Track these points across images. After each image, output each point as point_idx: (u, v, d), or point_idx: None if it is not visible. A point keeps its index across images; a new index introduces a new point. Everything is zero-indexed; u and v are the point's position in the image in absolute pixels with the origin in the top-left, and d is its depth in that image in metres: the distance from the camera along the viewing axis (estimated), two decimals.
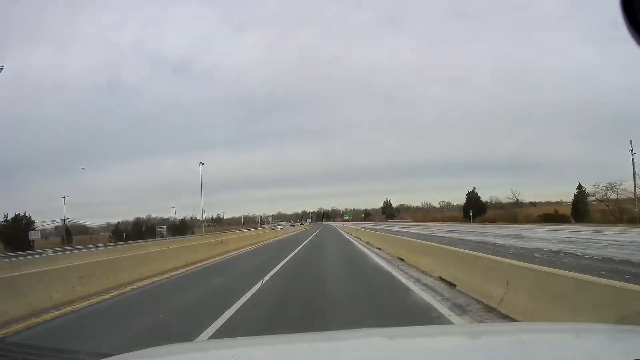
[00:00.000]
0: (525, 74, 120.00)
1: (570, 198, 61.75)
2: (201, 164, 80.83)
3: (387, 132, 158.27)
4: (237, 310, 7.47)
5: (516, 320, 5.52)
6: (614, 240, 21.12)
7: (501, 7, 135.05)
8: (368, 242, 24.51)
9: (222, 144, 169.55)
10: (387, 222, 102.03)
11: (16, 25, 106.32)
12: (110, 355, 1.88)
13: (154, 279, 12.46)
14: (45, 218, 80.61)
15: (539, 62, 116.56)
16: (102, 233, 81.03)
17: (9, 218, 57.30)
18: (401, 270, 11.93)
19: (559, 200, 75.34)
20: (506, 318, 5.88)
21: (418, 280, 9.97)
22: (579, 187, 59.57)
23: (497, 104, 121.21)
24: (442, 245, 12.32)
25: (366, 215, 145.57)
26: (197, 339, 5.44)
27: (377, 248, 20.25)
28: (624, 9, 1.49)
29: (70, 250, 33.38)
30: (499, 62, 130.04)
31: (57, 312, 8.01)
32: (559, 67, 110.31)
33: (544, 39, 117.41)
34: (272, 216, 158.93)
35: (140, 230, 79.36)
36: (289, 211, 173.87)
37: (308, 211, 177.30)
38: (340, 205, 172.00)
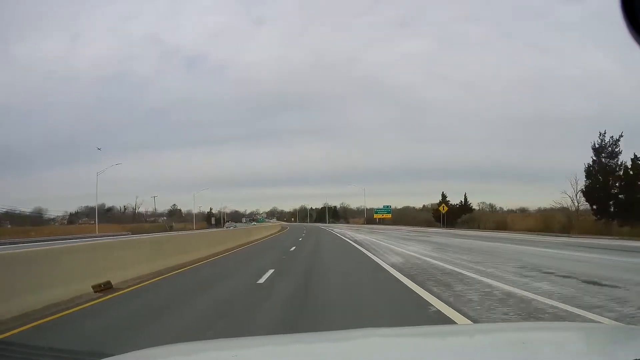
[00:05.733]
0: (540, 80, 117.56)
1: None
2: None
3: (400, 132, 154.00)
4: None
5: None
6: None
7: (520, 13, 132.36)
8: None
9: (229, 139, 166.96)
10: None
11: (27, 14, 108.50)
12: (110, 355, 1.88)
13: None
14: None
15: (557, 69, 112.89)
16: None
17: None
18: None
19: None
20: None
21: None
22: None
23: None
24: None
25: (443, 209, 58.91)
26: None
27: None
28: (624, 9, 1.49)
29: None
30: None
31: None
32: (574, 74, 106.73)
33: (560, 46, 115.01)
34: (266, 213, 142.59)
35: None
36: (287, 208, 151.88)
37: (309, 207, 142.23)
38: (354, 203, 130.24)
